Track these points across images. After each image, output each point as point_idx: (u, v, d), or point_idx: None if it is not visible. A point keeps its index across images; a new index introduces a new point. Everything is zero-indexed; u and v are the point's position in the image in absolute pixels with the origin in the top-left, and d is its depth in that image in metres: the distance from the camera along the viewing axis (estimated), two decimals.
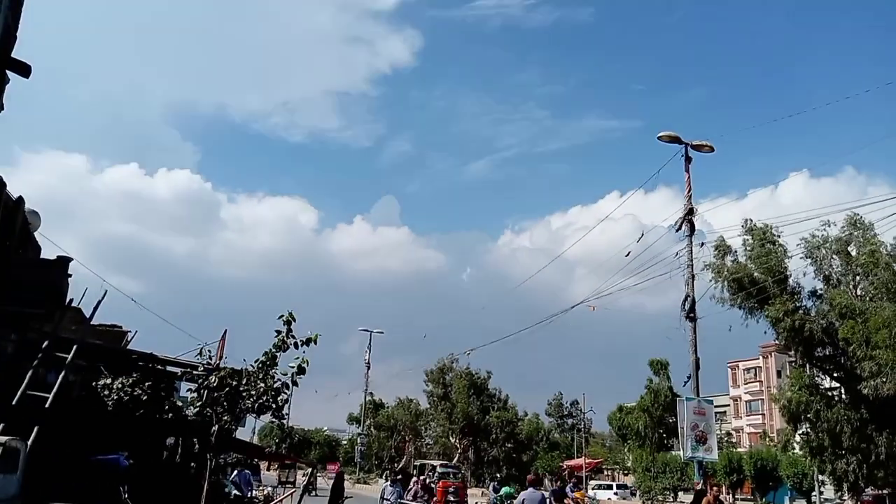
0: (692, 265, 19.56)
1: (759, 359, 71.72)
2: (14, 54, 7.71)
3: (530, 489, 13.89)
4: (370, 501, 27.38)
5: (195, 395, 11.82)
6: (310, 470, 27.66)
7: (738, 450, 56.19)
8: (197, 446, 13.39)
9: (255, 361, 10.89)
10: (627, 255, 21.24)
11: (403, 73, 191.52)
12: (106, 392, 13.79)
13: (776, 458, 44.39)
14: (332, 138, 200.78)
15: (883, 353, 24.31)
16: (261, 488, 29.82)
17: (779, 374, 62.28)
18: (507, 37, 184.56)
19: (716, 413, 23.79)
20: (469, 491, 40.20)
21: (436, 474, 35.22)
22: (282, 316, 10.31)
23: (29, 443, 9.80)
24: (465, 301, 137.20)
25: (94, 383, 14.19)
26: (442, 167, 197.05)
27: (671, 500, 49.86)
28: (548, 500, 15.77)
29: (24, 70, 7.35)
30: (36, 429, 9.99)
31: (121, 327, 19.28)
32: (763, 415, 71.51)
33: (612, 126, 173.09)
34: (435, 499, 28.98)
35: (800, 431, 30.84)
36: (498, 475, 50.91)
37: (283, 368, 10.66)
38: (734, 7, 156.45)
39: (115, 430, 12.72)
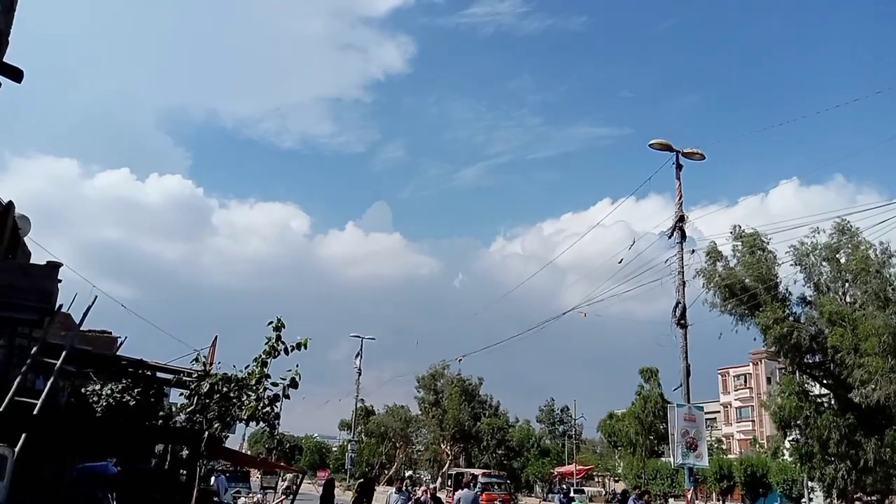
0: (683, 272, 19.62)
1: (749, 365, 72.02)
2: (5, 59, 7.68)
3: (465, 490, 14.70)
4: None
5: (185, 401, 11.76)
6: (289, 476, 27.64)
7: (729, 456, 56.36)
8: (186, 453, 13.29)
9: (245, 368, 10.83)
10: (620, 261, 21.29)
11: (396, 80, 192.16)
12: (95, 398, 13.69)
13: (766, 464, 44.53)
14: (325, 144, 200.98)
15: (872, 361, 24.47)
16: (250, 495, 29.66)
17: (768, 380, 62.56)
18: (500, 44, 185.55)
19: (706, 419, 23.86)
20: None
21: (477, 486, 29.97)
22: (271, 322, 10.27)
23: (16, 450, 9.69)
24: (456, 307, 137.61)
25: (83, 389, 14.09)
26: (434, 173, 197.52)
27: None
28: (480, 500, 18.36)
29: (15, 75, 7.31)
30: (24, 436, 9.89)
31: (110, 333, 19.16)
32: (753, 421, 71.74)
33: (604, 133, 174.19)
34: None
35: (789, 438, 30.95)
36: (563, 486, 48.37)
37: (275, 375, 10.61)
38: (725, 16, 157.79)
39: (104, 436, 12.61)
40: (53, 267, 11.77)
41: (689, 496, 19.08)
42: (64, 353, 12.08)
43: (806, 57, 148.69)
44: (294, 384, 10.17)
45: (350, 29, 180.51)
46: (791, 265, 28.15)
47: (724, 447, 66.08)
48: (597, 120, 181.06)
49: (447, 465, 66.37)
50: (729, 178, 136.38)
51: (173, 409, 14.96)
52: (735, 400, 75.87)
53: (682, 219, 19.63)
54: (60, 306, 12.92)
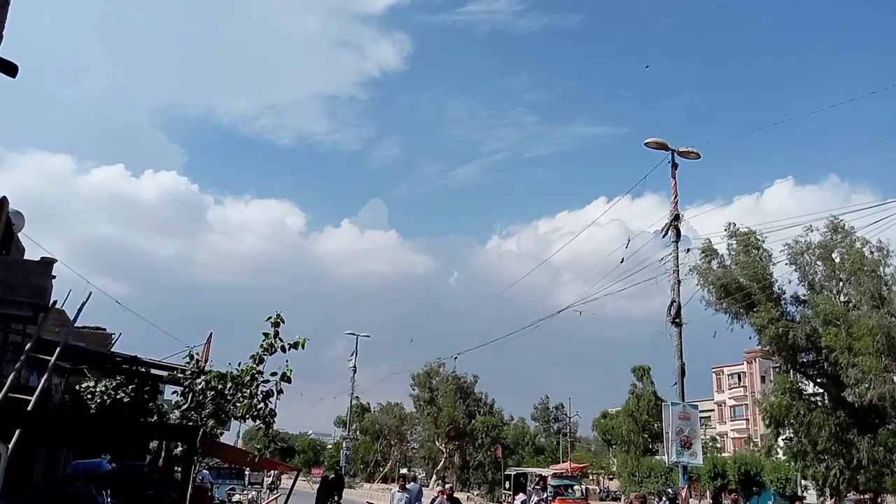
0: (678, 270, 19.67)
1: (743, 364, 72.20)
2: (0, 54, 7.64)
3: (412, 483, 15.90)
4: None
5: (180, 398, 11.73)
6: (273, 472, 28.53)
7: (723, 455, 56.52)
8: (180, 450, 13.27)
9: (240, 365, 10.81)
10: (622, 261, 21.36)
11: (392, 77, 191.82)
12: (89, 395, 13.66)
13: (760, 462, 44.69)
14: (321, 141, 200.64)
15: (866, 360, 24.60)
16: (245, 492, 29.70)
17: (763, 379, 62.72)
18: (496, 42, 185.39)
19: (700, 418, 23.91)
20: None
21: (549, 489, 26.54)
22: (270, 317, 10.24)
23: (10, 446, 9.67)
24: (452, 305, 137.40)
25: (77, 386, 14.05)
26: (430, 171, 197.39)
27: None
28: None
29: (10, 69, 7.27)
30: (18, 432, 9.86)
31: (105, 329, 19.12)
32: (747, 420, 71.96)
33: (600, 132, 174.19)
34: None
35: (783, 436, 31.11)
36: (669, 490, 45.56)
37: (272, 371, 10.58)
38: (721, 15, 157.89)
39: (98, 433, 12.59)
40: (47, 263, 11.73)
41: (682, 494, 19.16)
42: (58, 349, 12.05)
43: (802, 56, 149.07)
44: (286, 379, 10.13)
45: (346, 26, 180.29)
46: (786, 264, 28.31)
47: (718, 446, 66.30)
48: (593, 118, 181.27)
49: (441, 462, 66.47)
50: (724, 177, 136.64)
51: (167, 406, 14.95)
52: (729, 398, 76.08)
53: (677, 217, 19.67)
54: (55, 302, 12.88)
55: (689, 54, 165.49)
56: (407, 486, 20.46)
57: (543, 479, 26.01)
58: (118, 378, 14.11)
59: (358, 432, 78.46)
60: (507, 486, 22.57)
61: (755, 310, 27.57)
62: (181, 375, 11.63)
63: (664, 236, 19.92)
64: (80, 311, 12.88)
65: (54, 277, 11.78)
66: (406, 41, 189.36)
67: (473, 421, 65.56)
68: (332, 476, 28.05)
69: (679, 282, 19.59)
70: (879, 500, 30.04)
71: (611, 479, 68.30)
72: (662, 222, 19.96)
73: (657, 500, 23.37)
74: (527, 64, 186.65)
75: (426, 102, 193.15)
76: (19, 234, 14.53)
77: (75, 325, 14.00)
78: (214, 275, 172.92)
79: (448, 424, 64.26)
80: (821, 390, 29.50)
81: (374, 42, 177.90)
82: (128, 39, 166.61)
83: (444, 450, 66.64)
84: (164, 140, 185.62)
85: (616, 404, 59.90)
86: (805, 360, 29.06)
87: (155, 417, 14.32)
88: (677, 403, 18.56)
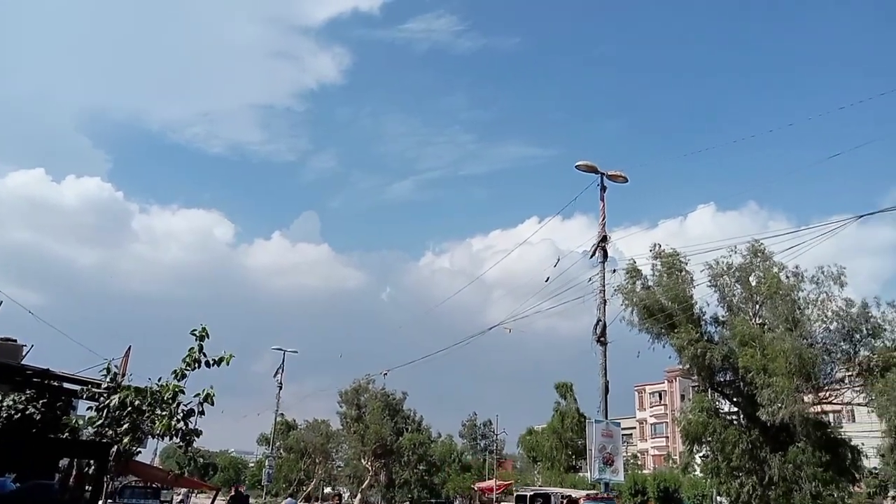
0: (604, 290, 20.15)
1: (664, 383, 74.30)
2: None
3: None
4: None
5: (94, 414, 11.20)
6: (183, 490, 29.63)
7: (643, 472, 57.83)
8: (93, 468, 12.68)
9: (160, 380, 10.40)
10: (547, 280, 21.69)
11: (331, 90, 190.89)
12: None
13: (678, 479, 45.93)
14: (254, 151, 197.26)
15: (779, 381, 25.68)
16: None
17: (682, 397, 64.69)
18: (435, 61, 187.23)
19: (623, 435, 24.39)
20: None
21: None
22: (194, 330, 9.90)
23: None
24: (383, 321, 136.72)
25: None
26: (366, 185, 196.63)
27: None
28: None
29: None
30: None
31: (15, 341, 18.10)
32: (667, 437, 73.94)
33: (534, 153, 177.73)
34: None
35: (699, 453, 32.07)
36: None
37: (195, 387, 10.22)
38: (652, 45, 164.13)
39: (4, 450, 11.90)
40: None
41: None
42: None
43: (727, 88, 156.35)
44: (209, 400, 9.79)
45: (285, 37, 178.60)
46: (708, 285, 29.38)
47: (639, 462, 67.77)
48: (527, 140, 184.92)
49: (367, 481, 65.55)
50: (650, 201, 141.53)
51: (80, 422, 14.26)
52: (650, 416, 78.01)
53: (604, 239, 20.18)
54: None
55: (622, 82, 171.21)
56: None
57: (574, 500, 23.77)
58: (28, 392, 13.39)
59: (282, 450, 76.58)
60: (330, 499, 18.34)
61: (676, 331, 28.46)
62: (97, 390, 11.13)
63: (592, 256, 20.41)
64: None
65: None
66: (345, 55, 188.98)
67: (401, 438, 65.01)
68: (234, 494, 30.20)
69: (605, 301, 20.06)
70: None
71: None
72: (591, 243, 20.44)
73: None
74: (464, 83, 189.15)
75: (364, 117, 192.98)
76: None
77: None
78: (137, 285, 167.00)
79: (375, 442, 63.45)
80: (736, 409, 30.59)
81: (313, 54, 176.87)
82: (54, 41, 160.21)
83: (370, 468, 65.75)
84: (88, 145, 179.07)
85: (543, 421, 60.61)
86: (722, 379, 30.14)
87: (67, 434, 13.63)
88: (601, 421, 18.92)
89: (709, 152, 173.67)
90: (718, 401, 31.14)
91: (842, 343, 27.62)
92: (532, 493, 26.71)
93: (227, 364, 9.83)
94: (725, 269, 29.44)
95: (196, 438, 10.17)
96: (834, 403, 31.19)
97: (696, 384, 34.08)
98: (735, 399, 30.19)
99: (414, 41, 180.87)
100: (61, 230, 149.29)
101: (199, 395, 9.76)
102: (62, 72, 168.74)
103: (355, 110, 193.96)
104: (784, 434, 27.48)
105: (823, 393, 29.25)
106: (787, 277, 28.12)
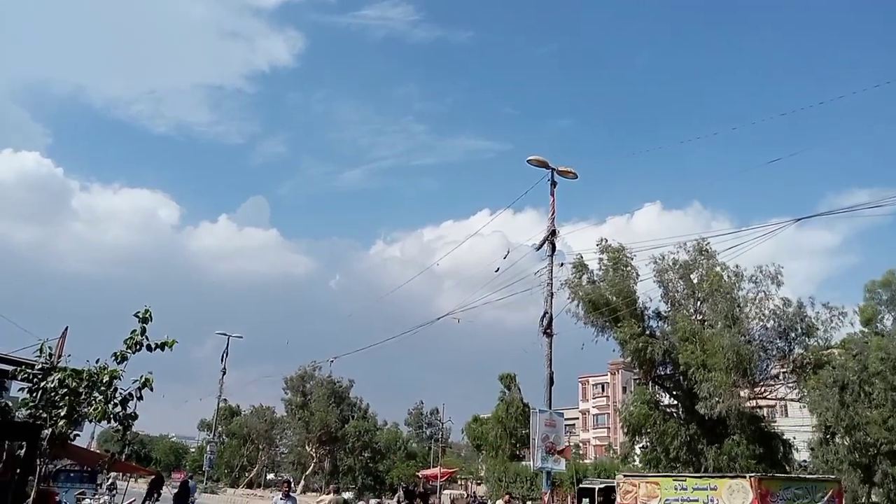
0: (552, 283, 20.38)
1: (607, 375, 75.78)
2: None
3: None
4: None
5: (27, 396, 10.84)
6: (112, 474, 30.14)
7: (585, 461, 58.99)
8: (24, 451, 12.29)
9: (98, 362, 10.13)
10: (497, 270, 21.81)
11: (282, 74, 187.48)
12: None
13: (618, 469, 46.98)
14: (202, 133, 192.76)
15: (717, 376, 26.50)
16: (97, 497, 28.05)
17: (624, 389, 66.11)
18: (390, 49, 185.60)
19: (565, 425, 24.85)
20: None
21: None
22: (137, 313, 9.66)
23: None
24: (331, 309, 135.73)
25: None
26: (316, 172, 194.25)
27: None
28: None
29: None
30: None
31: None
32: (609, 428, 75.49)
33: (486, 146, 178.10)
34: None
35: (640, 444, 32.91)
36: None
37: (135, 371, 9.98)
38: (603, 45, 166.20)
39: None
40: None
41: (545, 499, 19.83)
42: None
43: (672, 88, 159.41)
44: (147, 385, 9.57)
45: (237, 17, 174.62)
46: (653, 281, 30.09)
47: (581, 452, 69.06)
48: (479, 133, 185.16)
49: (311, 467, 65.29)
50: (599, 198, 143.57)
51: (12, 404, 13.79)
52: (593, 407, 79.51)
53: (553, 233, 20.39)
54: None
55: (573, 79, 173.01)
56: (291, 493, 18.32)
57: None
58: None
59: (224, 436, 75.55)
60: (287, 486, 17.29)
61: (619, 324, 29.10)
62: (31, 371, 10.77)
63: (539, 249, 20.63)
64: None
65: None
66: (298, 39, 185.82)
67: (346, 426, 64.87)
68: (153, 477, 30.48)
69: (552, 294, 20.30)
70: None
71: (479, 484, 69.56)
72: (541, 237, 20.65)
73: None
74: (418, 74, 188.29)
75: (316, 102, 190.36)
76: None
77: None
78: (75, 265, 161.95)
79: (320, 429, 63.20)
80: (676, 402, 31.47)
81: (265, 36, 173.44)
82: None
83: (314, 454, 65.48)
84: (27, 118, 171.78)
85: (488, 411, 61.25)
86: (663, 373, 30.98)
87: None
88: (545, 410, 19.16)
89: (656, 152, 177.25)
90: (659, 394, 31.98)
91: (777, 341, 28.67)
92: (602, 485, 22.08)
93: (171, 349, 9.63)
94: (671, 264, 30.20)
95: (132, 423, 9.94)
96: (768, 399, 32.42)
97: (638, 377, 34.92)
98: (675, 392, 31.05)
99: (369, 28, 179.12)
100: None
101: (136, 380, 9.54)
102: None
103: (307, 95, 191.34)
104: (720, 427, 28.36)
105: (759, 388, 30.35)
106: (728, 276, 28.99)
